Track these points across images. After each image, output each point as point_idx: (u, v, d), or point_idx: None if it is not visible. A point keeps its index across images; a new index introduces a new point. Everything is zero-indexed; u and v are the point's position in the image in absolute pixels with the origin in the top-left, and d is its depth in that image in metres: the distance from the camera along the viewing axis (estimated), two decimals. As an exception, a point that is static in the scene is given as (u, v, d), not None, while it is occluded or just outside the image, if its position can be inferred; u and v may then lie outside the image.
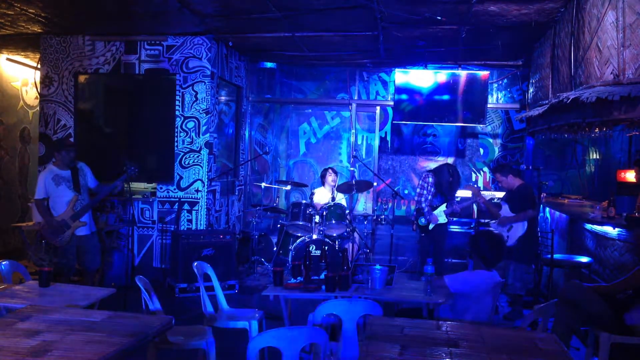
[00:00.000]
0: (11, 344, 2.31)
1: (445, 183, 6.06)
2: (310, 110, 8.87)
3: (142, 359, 3.18)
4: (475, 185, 6.21)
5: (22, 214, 8.11)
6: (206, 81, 6.56)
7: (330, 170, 6.93)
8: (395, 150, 8.62)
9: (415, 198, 6.31)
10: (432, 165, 8.49)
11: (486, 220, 6.15)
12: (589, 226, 5.26)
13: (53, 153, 5.74)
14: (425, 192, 6.16)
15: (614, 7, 3.87)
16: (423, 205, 6.10)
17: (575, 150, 7.97)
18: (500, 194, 6.60)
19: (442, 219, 6.16)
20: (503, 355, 2.45)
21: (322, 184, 7.03)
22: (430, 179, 6.17)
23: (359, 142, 8.63)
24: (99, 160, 6.52)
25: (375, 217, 7.73)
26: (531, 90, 7.01)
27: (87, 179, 5.53)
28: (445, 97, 7.47)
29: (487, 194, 7.14)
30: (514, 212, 5.55)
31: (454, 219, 7.16)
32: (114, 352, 2.26)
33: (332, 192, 6.92)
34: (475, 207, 7.18)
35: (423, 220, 6.14)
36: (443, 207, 6.13)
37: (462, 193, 6.73)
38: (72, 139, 6.72)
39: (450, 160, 8.41)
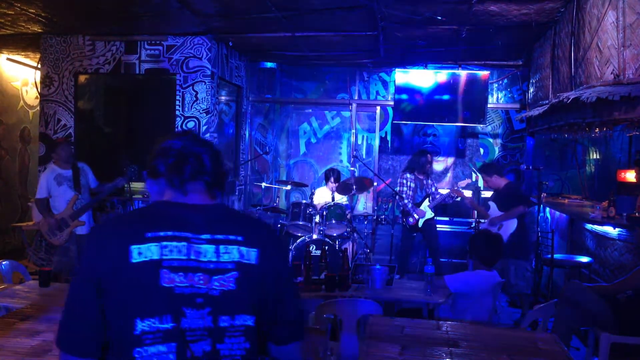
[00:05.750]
0: (11, 344, 2.32)
1: (418, 165, 6.33)
2: (310, 110, 8.86)
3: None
4: (456, 187, 6.31)
5: (22, 214, 8.11)
6: (206, 81, 6.56)
7: (332, 178, 6.83)
8: (395, 150, 8.62)
9: (397, 198, 6.44)
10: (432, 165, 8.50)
11: (483, 220, 6.19)
12: (589, 226, 5.26)
13: (51, 154, 5.77)
14: (405, 188, 6.31)
15: (614, 7, 3.87)
16: (406, 201, 6.22)
17: (575, 150, 7.96)
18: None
19: (429, 214, 6.28)
20: (503, 355, 2.45)
21: (326, 183, 6.98)
22: (408, 175, 6.38)
23: (359, 142, 8.63)
24: (99, 160, 6.51)
25: (375, 217, 7.72)
26: (531, 90, 7.01)
27: (89, 178, 5.56)
28: (446, 97, 7.46)
29: (487, 194, 7.16)
30: (502, 211, 5.60)
31: (454, 218, 7.19)
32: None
33: (333, 193, 6.91)
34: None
35: (411, 219, 6.26)
36: (426, 202, 6.26)
37: (445, 191, 6.79)
38: (72, 139, 6.72)
39: (450, 160, 8.41)
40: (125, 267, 1.29)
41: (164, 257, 1.31)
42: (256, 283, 1.39)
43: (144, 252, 1.31)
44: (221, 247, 1.36)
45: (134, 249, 1.31)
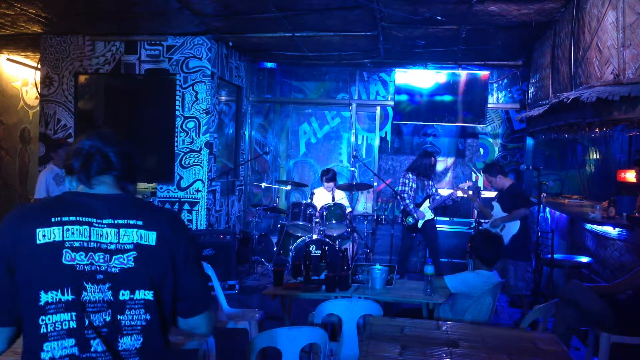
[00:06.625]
0: (11, 344, 2.31)
1: (421, 166, 6.34)
2: (310, 110, 8.86)
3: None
4: (469, 191, 6.28)
5: (22, 214, 8.10)
6: (206, 81, 6.56)
7: (324, 178, 6.87)
8: (395, 150, 8.62)
9: (397, 197, 6.47)
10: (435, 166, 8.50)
11: (484, 220, 6.18)
12: (589, 226, 5.26)
13: (50, 154, 5.77)
14: (407, 188, 6.35)
15: (614, 7, 3.87)
16: (407, 201, 6.24)
17: (575, 150, 7.96)
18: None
19: (429, 215, 6.31)
20: (503, 355, 2.45)
21: (321, 183, 7.03)
22: (410, 175, 6.40)
23: (359, 142, 8.63)
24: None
25: (375, 217, 7.73)
26: (531, 90, 7.01)
27: None
28: (446, 97, 7.47)
29: (487, 194, 7.16)
30: (505, 212, 5.58)
31: (454, 219, 7.19)
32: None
33: (332, 193, 6.92)
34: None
35: (411, 219, 6.28)
36: (427, 203, 6.29)
37: (446, 192, 6.79)
38: (71, 139, 6.73)
39: (450, 160, 8.41)
40: (32, 248, 1.51)
41: (66, 239, 1.53)
42: (155, 262, 1.59)
43: (48, 234, 1.52)
44: (121, 230, 1.58)
45: (39, 232, 1.52)
